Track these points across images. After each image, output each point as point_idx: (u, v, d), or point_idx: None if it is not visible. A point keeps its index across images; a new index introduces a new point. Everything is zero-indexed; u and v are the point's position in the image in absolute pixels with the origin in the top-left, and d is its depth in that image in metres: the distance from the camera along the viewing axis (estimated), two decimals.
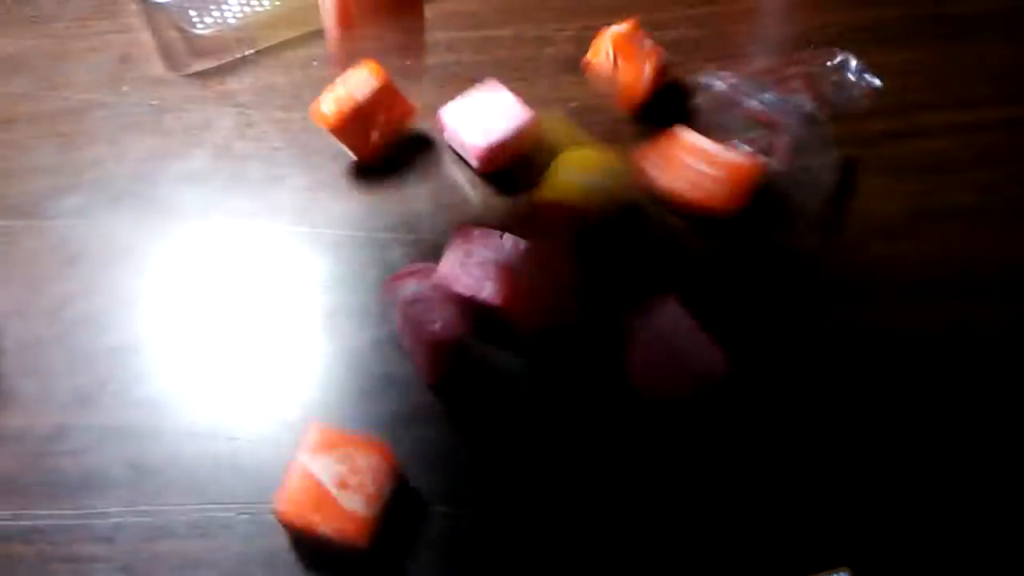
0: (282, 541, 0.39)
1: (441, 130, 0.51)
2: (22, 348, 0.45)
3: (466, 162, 0.51)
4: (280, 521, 0.38)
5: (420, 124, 0.52)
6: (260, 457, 0.42)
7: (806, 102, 0.51)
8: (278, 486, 0.40)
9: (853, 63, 0.51)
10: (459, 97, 0.51)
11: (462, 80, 0.52)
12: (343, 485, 0.37)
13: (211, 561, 0.40)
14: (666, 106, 0.53)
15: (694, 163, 0.47)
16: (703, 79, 0.53)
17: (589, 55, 0.53)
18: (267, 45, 0.56)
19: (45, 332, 0.46)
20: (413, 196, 0.50)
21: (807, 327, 0.46)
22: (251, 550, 0.40)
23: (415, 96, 0.51)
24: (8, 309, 0.46)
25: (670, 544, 0.40)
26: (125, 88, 0.55)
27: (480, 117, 0.50)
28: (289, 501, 0.37)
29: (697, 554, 0.39)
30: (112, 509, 0.41)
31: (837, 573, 0.36)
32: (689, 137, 0.48)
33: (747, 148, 0.49)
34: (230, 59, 0.56)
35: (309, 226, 0.49)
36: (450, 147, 0.51)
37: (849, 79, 0.51)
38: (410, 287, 0.40)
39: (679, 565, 0.39)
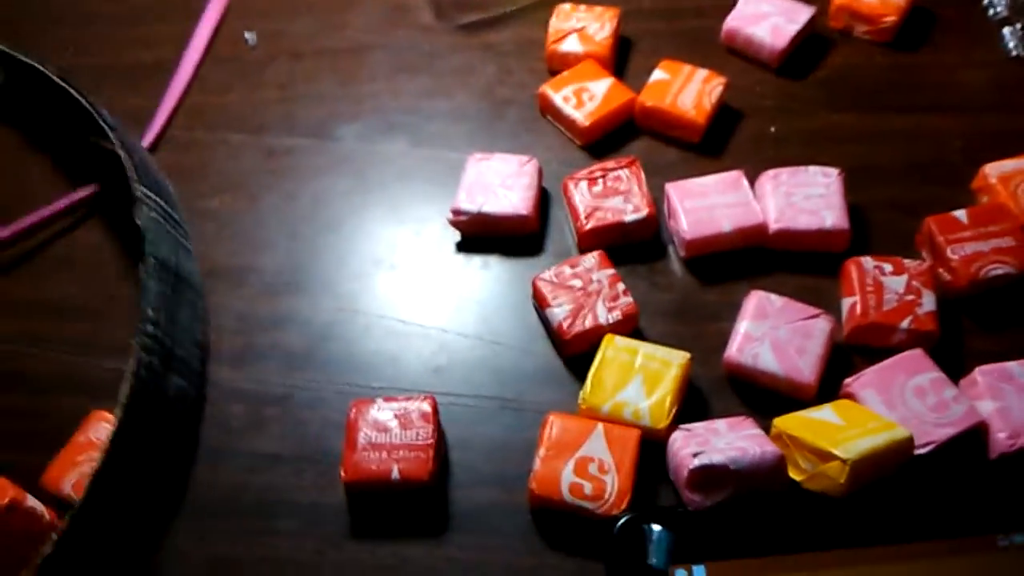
0: (535, 433, 0.42)
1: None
2: (310, 248, 0.50)
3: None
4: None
5: None
6: (517, 362, 0.46)
7: None
8: (536, 389, 0.44)
9: None
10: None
11: None
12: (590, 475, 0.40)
13: (474, 444, 0.43)
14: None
15: None
16: None
17: None
18: (526, 4, 0.60)
19: (329, 238, 0.51)
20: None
21: None
22: (511, 438, 0.43)
23: None
24: (300, 215, 0.52)
25: None
26: (399, 33, 0.60)
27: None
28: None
29: None
30: (387, 390, 0.45)
31: None
32: None
33: None
34: (492, 15, 0.60)
35: (561, 165, 0.52)
36: None
37: None
38: None
39: None
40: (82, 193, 0.52)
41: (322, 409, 0.45)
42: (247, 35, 0.61)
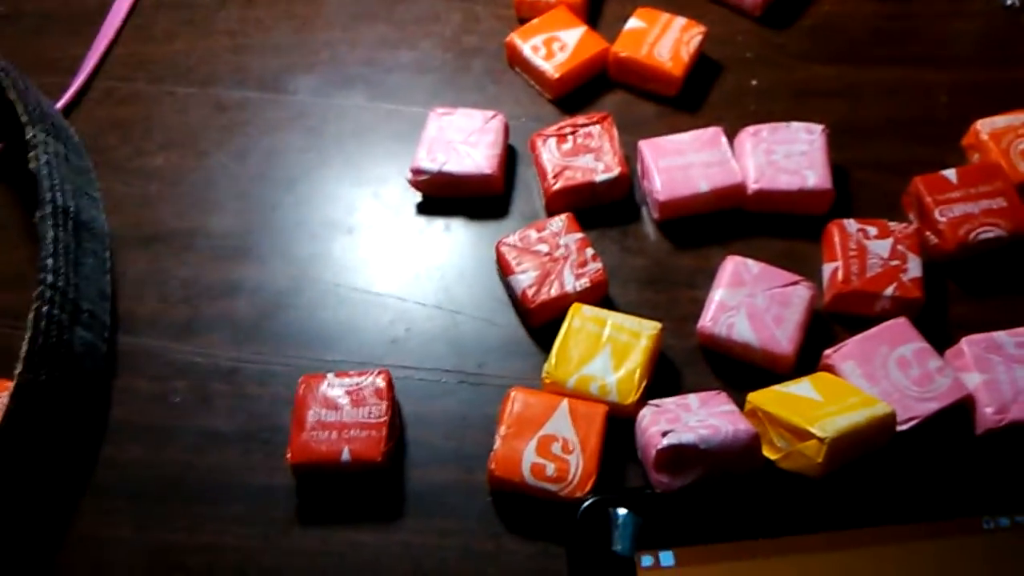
0: (496, 409, 0.40)
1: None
2: (262, 210, 0.47)
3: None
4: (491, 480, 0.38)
5: None
6: (480, 332, 0.43)
7: None
8: (499, 361, 0.41)
9: None
10: None
11: None
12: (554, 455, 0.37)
13: (433, 421, 0.41)
14: None
15: None
16: None
17: None
18: None
19: (283, 198, 0.48)
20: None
21: None
22: (471, 414, 0.41)
23: None
24: (251, 174, 0.49)
25: None
26: None
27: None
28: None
29: None
30: (342, 363, 0.42)
31: None
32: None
33: None
34: None
35: (529, 120, 0.49)
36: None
37: None
38: None
39: None
40: None
41: (272, 384, 0.42)
42: None
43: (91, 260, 0.42)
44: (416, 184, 0.47)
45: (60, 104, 0.50)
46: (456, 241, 0.46)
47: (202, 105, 0.51)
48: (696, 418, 0.37)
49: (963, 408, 0.39)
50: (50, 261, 0.39)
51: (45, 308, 0.38)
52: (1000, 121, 0.46)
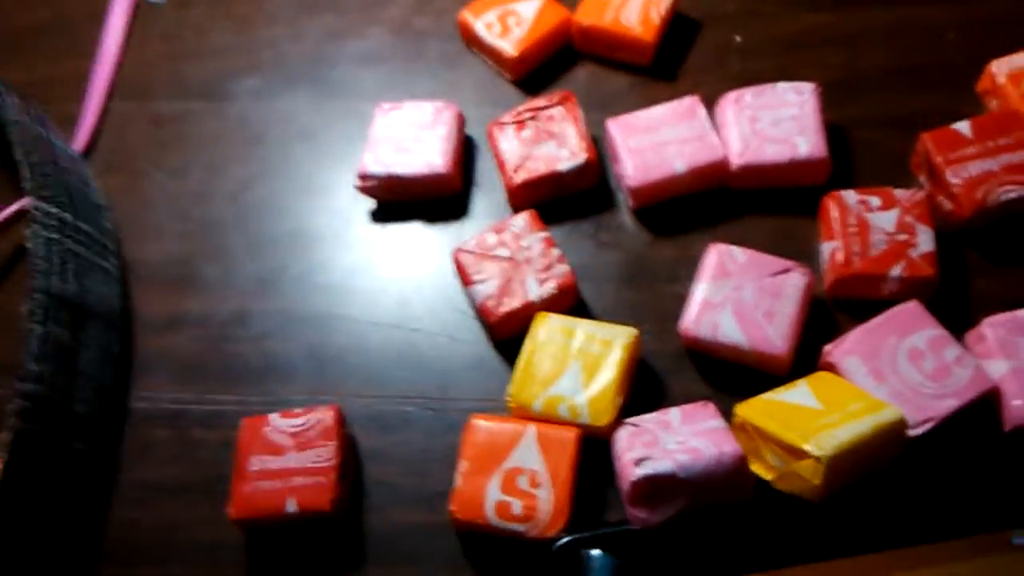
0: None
1: None
2: (204, 231, 0.44)
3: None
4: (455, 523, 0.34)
5: None
6: (442, 352, 0.39)
7: None
8: (463, 382, 0.37)
9: None
10: None
11: None
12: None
13: (392, 456, 0.37)
14: None
15: None
16: None
17: None
18: None
19: (227, 215, 0.44)
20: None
21: None
22: (435, 445, 0.37)
23: None
24: (191, 191, 0.45)
25: None
26: None
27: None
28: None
29: None
30: (294, 397, 0.38)
31: None
32: None
33: None
34: None
35: (491, 107, 0.45)
36: None
37: None
38: None
39: None
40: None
41: (219, 426, 0.39)
42: None
43: (91, 352, 0.38)
44: (365, 190, 0.42)
45: (79, 146, 0.46)
46: (413, 249, 0.42)
47: (139, 122, 0.48)
48: (676, 439, 0.32)
49: (987, 403, 0.33)
50: (35, 367, 0.34)
51: (23, 425, 0.33)
52: (1020, 59, 0.40)
